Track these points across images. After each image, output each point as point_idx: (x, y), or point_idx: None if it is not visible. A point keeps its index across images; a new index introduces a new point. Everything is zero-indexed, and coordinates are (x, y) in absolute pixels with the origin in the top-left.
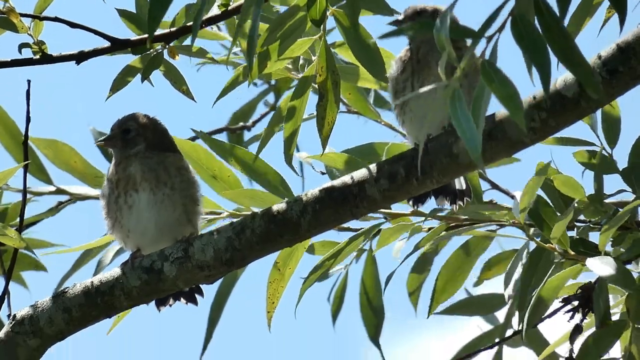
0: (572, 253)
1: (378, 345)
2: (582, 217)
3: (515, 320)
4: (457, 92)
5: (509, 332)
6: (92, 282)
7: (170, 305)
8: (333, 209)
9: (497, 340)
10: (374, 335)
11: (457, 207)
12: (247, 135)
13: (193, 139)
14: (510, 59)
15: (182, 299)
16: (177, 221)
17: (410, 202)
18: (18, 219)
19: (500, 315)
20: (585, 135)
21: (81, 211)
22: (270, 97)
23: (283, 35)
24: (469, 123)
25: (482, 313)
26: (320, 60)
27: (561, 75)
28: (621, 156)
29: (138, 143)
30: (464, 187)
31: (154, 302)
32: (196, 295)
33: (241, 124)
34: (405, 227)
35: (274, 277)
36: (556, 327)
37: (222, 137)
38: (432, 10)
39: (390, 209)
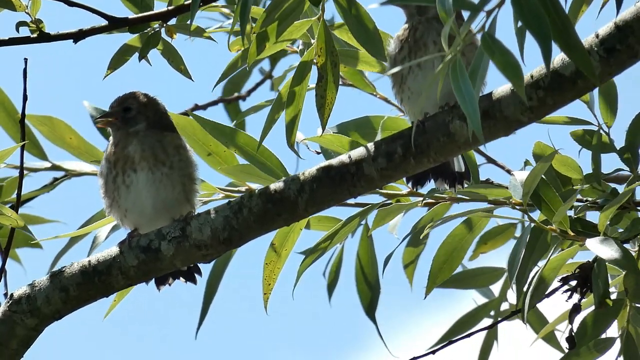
0: (572, 234)
1: (374, 320)
2: (579, 196)
3: (510, 293)
4: (458, 61)
5: (504, 306)
6: (89, 261)
7: (170, 285)
8: (330, 188)
9: (492, 313)
10: (370, 310)
11: (456, 189)
12: (242, 105)
13: (186, 113)
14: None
15: (181, 278)
16: (176, 200)
17: (410, 184)
18: (15, 197)
19: (496, 288)
20: (582, 114)
21: (76, 187)
22: (265, 64)
23: (281, 16)
24: (470, 93)
25: (478, 286)
26: (319, 41)
27: (559, 54)
28: (618, 134)
29: (139, 122)
30: (463, 169)
31: (153, 281)
32: (195, 275)
33: (236, 94)
34: (402, 207)
35: (270, 259)
36: (553, 305)
37: (219, 109)
38: None
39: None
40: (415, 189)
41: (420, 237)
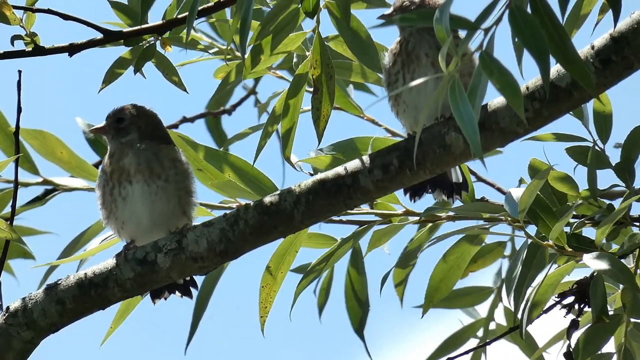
0: (569, 250)
1: (362, 338)
2: (575, 212)
3: (497, 313)
4: (456, 81)
5: (492, 325)
6: (85, 273)
7: (166, 299)
8: (326, 200)
9: (480, 333)
10: (359, 328)
11: (454, 200)
12: (226, 119)
13: (174, 126)
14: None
15: (177, 292)
16: (172, 213)
17: (407, 196)
18: (8, 210)
19: (481, 307)
20: (577, 130)
21: (67, 201)
22: (249, 81)
23: (276, 29)
24: (469, 114)
25: (466, 306)
26: (314, 53)
27: (554, 66)
28: (612, 149)
29: (130, 132)
30: (461, 180)
31: (148, 295)
32: (191, 288)
33: (222, 108)
34: (398, 228)
35: (266, 282)
36: (547, 322)
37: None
38: (419, 2)
39: (378, 199)
40: (413, 200)
41: (417, 255)
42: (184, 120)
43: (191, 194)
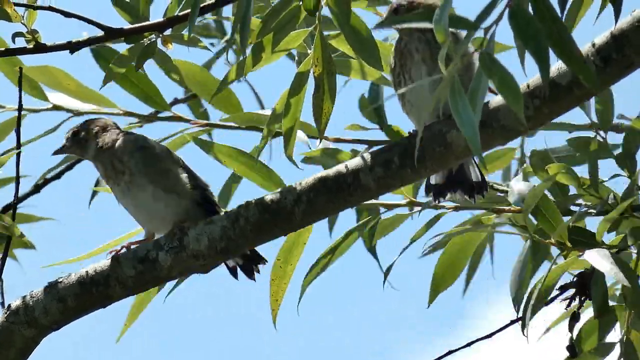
0: (570, 246)
1: (374, 255)
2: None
3: None
4: (456, 82)
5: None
6: (87, 271)
7: (258, 272)
8: (327, 198)
9: None
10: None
11: (475, 200)
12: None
13: (172, 103)
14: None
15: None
16: (153, 197)
17: (430, 196)
18: (12, 204)
19: None
20: (578, 119)
21: (67, 187)
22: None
23: (277, 27)
24: (469, 116)
25: None
26: (315, 51)
27: (555, 64)
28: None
29: (90, 143)
30: (480, 179)
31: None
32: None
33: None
34: (402, 217)
35: (276, 275)
36: (549, 312)
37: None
38: (408, 3)
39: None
40: (437, 201)
41: (422, 254)
42: (175, 102)
43: (167, 173)
